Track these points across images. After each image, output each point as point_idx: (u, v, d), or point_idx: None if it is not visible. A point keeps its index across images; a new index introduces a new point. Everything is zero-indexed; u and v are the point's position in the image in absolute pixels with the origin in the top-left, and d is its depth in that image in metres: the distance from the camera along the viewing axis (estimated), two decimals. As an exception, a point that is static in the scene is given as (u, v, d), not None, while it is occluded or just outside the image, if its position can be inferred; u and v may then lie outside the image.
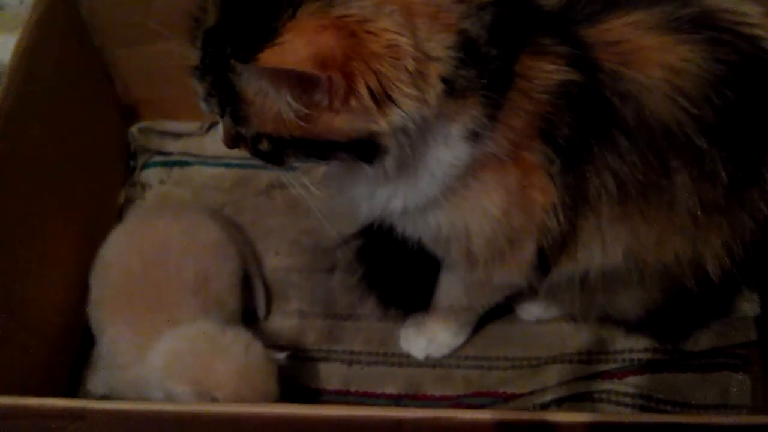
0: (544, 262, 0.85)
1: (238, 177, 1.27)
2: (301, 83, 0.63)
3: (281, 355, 0.93)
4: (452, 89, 0.68)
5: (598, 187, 0.77)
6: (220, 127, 0.77)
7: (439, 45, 0.67)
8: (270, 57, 0.63)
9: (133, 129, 1.30)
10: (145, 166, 1.30)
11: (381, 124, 0.66)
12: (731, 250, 0.83)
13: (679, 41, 0.74)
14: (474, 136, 0.71)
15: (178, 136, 1.30)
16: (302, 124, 0.66)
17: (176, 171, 1.29)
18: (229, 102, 0.69)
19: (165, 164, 1.30)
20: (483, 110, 0.70)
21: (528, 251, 0.83)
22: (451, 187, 0.75)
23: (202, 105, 0.73)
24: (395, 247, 0.88)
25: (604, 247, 0.82)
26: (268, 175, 1.25)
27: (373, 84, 0.64)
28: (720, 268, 0.85)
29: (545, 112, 0.72)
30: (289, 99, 0.64)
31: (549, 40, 0.72)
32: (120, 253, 1.03)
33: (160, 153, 1.31)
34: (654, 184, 0.77)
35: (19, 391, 0.80)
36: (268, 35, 0.64)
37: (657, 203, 0.79)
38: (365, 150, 0.69)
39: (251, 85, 0.66)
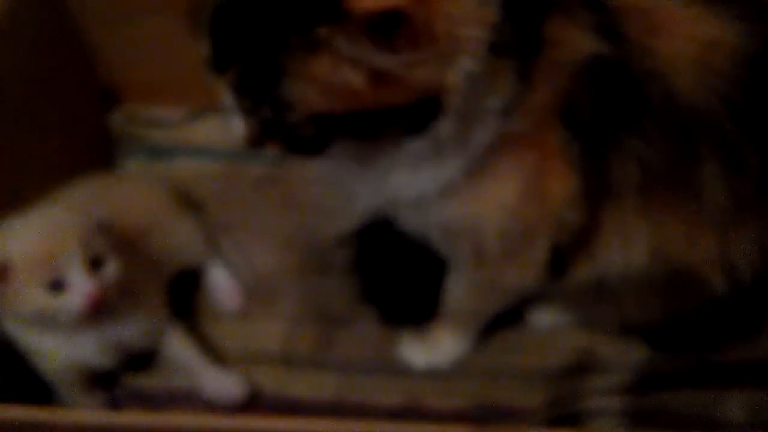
0: (558, 263, 0.81)
1: (226, 169, 1.24)
2: (387, 30, 0.57)
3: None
4: (495, 44, 0.63)
5: (621, 174, 0.73)
6: (239, 126, 0.69)
7: None
8: (366, 3, 0.56)
9: (115, 116, 1.27)
10: (128, 154, 1.26)
11: (453, 74, 0.62)
12: (764, 250, 0.80)
13: (713, 13, 0.70)
14: (506, 110, 0.67)
15: (163, 124, 1.27)
16: (371, 88, 0.61)
17: (160, 161, 1.26)
18: (269, 89, 0.62)
19: (149, 152, 1.26)
20: (516, 78, 0.66)
21: (542, 248, 0.79)
22: (472, 170, 0.71)
23: (228, 101, 0.66)
24: (395, 247, 0.86)
25: (626, 243, 0.78)
26: (258, 168, 1.21)
27: (447, 26, 0.60)
28: (750, 270, 0.81)
29: (570, 88, 0.68)
30: (388, 56, 0.58)
31: (577, 3, 0.68)
32: None
33: (143, 141, 1.27)
34: (681, 174, 0.74)
35: None
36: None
37: (684, 195, 0.76)
38: (422, 114, 0.64)
39: (323, 55, 0.59)
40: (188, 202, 1.15)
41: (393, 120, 0.64)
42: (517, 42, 0.64)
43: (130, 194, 1.06)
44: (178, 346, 1.00)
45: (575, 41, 0.67)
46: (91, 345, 0.91)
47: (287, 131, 0.66)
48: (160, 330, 0.98)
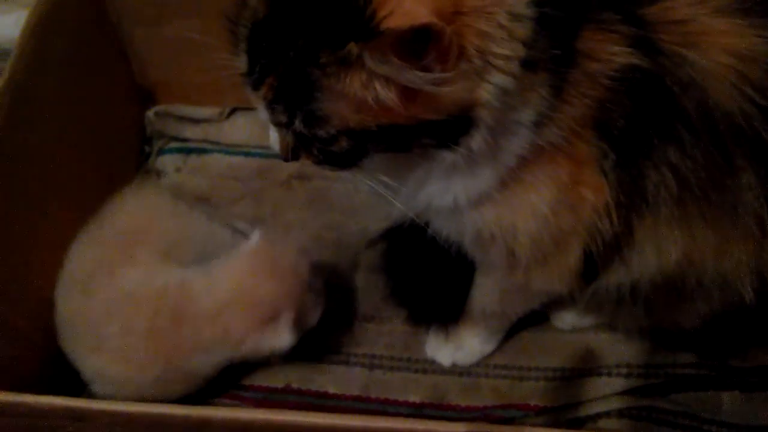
0: (590, 270, 0.80)
1: (258, 167, 1.24)
2: (416, 47, 0.56)
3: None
4: (528, 59, 0.62)
5: (656, 184, 0.72)
6: (275, 138, 0.71)
7: (522, 0, 0.61)
8: (395, 21, 0.56)
9: (150, 113, 1.27)
10: (161, 152, 1.27)
11: (483, 91, 0.61)
12: None
13: (750, 25, 0.68)
14: (540, 122, 0.66)
15: (196, 121, 1.27)
16: (402, 104, 0.60)
17: (193, 158, 1.26)
18: (302, 104, 0.62)
19: (182, 151, 1.27)
20: (550, 91, 0.65)
21: (573, 256, 0.78)
22: (505, 180, 0.70)
23: (263, 115, 0.66)
24: (424, 246, 0.84)
25: (659, 252, 0.77)
26: (290, 165, 1.17)
27: (478, 43, 0.59)
28: None
29: (604, 99, 0.67)
30: (418, 73, 0.58)
31: (611, 15, 0.66)
32: None
33: (176, 139, 1.27)
34: (717, 184, 0.72)
35: (22, 386, 0.77)
36: (362, 8, 0.57)
37: (720, 205, 0.73)
38: (454, 129, 0.64)
39: (355, 71, 0.59)
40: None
41: (425, 134, 0.64)
42: (550, 56, 0.64)
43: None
44: None
45: (610, 53, 0.66)
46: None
47: (321, 145, 0.67)
48: None
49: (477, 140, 0.65)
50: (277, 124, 0.67)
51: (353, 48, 0.57)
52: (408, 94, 0.60)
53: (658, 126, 0.69)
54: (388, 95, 0.60)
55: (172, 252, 0.98)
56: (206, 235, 1.05)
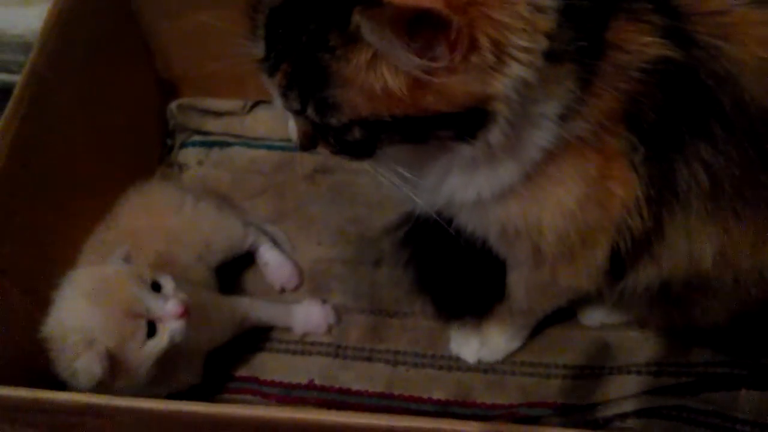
0: (617, 267, 0.78)
1: (281, 160, 1.23)
2: (424, 33, 0.55)
3: None
4: (551, 51, 0.60)
5: (687, 180, 0.70)
6: (292, 128, 0.70)
7: None
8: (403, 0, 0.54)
9: (172, 106, 1.26)
10: (183, 145, 1.27)
11: (500, 84, 0.59)
12: None
13: None
14: (566, 115, 0.64)
15: (219, 114, 1.26)
16: (412, 94, 0.59)
17: (216, 152, 1.26)
18: (314, 91, 0.62)
19: (204, 144, 1.26)
20: (576, 83, 0.63)
21: (601, 252, 0.76)
22: (530, 174, 0.69)
23: (278, 103, 0.66)
24: (448, 240, 0.82)
25: (691, 249, 0.75)
26: (313, 159, 1.20)
27: (494, 34, 0.57)
28: None
29: (635, 92, 0.65)
30: (411, 56, 0.56)
31: (643, 5, 0.64)
32: None
33: (199, 132, 1.27)
34: (752, 180, 0.70)
35: (41, 382, 0.77)
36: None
37: (754, 201, 0.72)
38: (471, 121, 0.62)
39: (361, 51, 0.58)
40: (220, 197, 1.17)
41: (440, 126, 0.63)
42: (576, 48, 0.62)
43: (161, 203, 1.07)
44: (257, 310, 1.04)
45: (641, 44, 0.64)
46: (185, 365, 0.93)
47: (336, 134, 0.66)
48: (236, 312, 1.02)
49: (495, 134, 0.63)
50: (292, 112, 0.66)
51: (356, 18, 0.56)
52: (417, 83, 0.58)
53: (691, 120, 0.68)
54: (395, 83, 0.58)
55: (172, 250, 0.99)
56: (213, 229, 1.06)
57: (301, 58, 0.60)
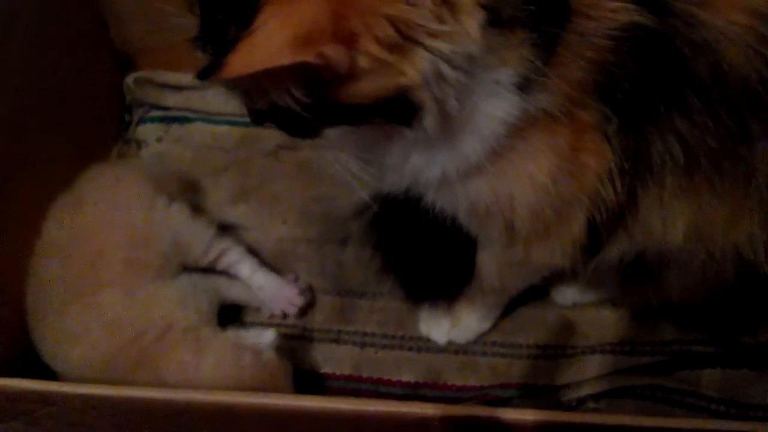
0: (593, 242, 0.77)
1: (244, 136, 1.20)
2: (292, 71, 0.55)
3: (268, 339, 0.92)
4: (497, 18, 0.58)
5: (662, 152, 0.68)
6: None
7: None
8: (239, 59, 0.53)
9: (129, 79, 1.23)
10: (141, 121, 1.24)
11: (409, 75, 0.58)
12: None
13: None
14: (526, 86, 0.62)
15: (178, 88, 1.23)
16: (320, 97, 0.58)
17: (175, 127, 1.23)
18: None
19: (163, 119, 1.23)
20: (535, 51, 0.61)
21: (576, 226, 0.75)
22: (496, 149, 0.66)
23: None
24: (417, 217, 0.80)
25: (665, 223, 0.73)
26: (277, 134, 1.13)
27: (385, 33, 0.55)
28: None
29: (605, 62, 0.63)
30: (288, 90, 0.57)
31: None
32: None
33: (157, 107, 1.24)
34: (730, 153, 0.68)
35: None
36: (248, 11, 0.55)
37: (732, 175, 0.70)
38: (400, 110, 0.61)
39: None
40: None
41: (367, 114, 0.61)
42: (527, 13, 0.59)
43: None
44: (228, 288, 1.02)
45: (609, 10, 0.61)
46: None
47: (269, 115, 0.63)
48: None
49: (429, 120, 0.61)
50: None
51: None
52: (323, 92, 0.58)
53: (666, 91, 0.66)
54: (299, 93, 0.58)
55: (140, 254, 0.93)
56: (184, 234, 0.99)
57: (217, 43, 0.58)
